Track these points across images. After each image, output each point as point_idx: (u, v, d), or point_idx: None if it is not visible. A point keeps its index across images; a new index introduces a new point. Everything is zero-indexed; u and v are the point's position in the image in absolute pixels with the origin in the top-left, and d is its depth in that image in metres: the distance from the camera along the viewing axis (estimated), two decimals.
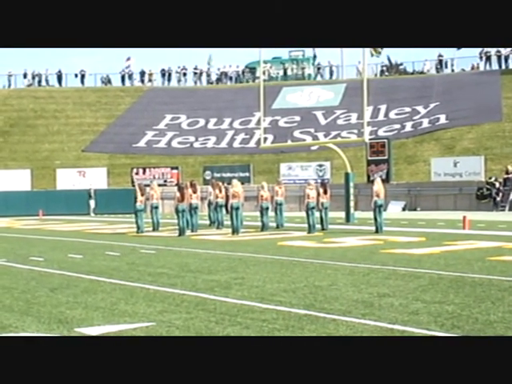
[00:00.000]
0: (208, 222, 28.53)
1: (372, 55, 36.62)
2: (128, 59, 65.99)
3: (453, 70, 62.03)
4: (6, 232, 27.95)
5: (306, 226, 24.33)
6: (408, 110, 53.97)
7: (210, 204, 28.80)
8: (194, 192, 25.73)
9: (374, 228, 23.55)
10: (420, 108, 53.77)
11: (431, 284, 11.28)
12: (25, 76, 64.95)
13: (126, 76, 65.45)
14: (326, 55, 68.99)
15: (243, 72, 65.59)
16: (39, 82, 65.06)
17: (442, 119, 50.71)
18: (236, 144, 53.51)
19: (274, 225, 26.37)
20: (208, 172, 46.34)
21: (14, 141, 55.79)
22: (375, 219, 23.51)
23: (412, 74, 62.61)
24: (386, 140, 43.62)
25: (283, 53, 66.55)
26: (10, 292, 11.21)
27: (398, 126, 51.40)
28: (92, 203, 44.25)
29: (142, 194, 26.14)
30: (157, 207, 26.93)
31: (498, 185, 39.21)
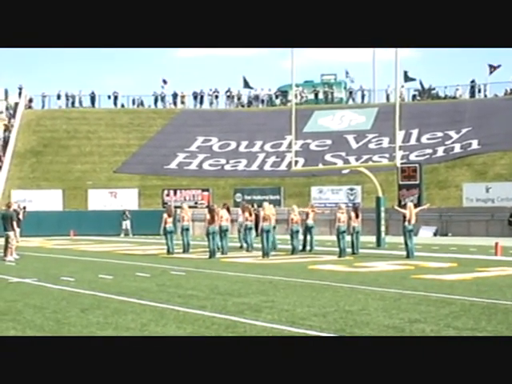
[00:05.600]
0: (239, 245, 28.60)
1: None
2: (164, 82, 66.26)
3: (485, 95, 61.68)
4: (37, 252, 28.13)
5: (336, 249, 24.26)
6: (440, 134, 53.70)
7: (240, 227, 28.96)
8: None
9: (404, 253, 23.43)
10: (452, 133, 53.48)
11: (463, 311, 11.17)
12: (58, 97, 65.49)
13: (159, 98, 65.82)
14: (358, 79, 69.61)
15: (275, 95, 65.77)
16: (73, 103, 65.56)
17: (474, 144, 50.38)
18: (267, 167, 53.52)
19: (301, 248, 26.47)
20: (238, 194, 46.29)
21: (46, 161, 56.25)
22: (406, 244, 23.39)
23: (444, 98, 62.36)
24: (417, 165, 43.43)
25: (315, 76, 66.79)
26: (41, 312, 11.26)
27: (429, 151, 51.15)
28: (124, 224, 44.14)
29: (170, 216, 26.30)
30: (187, 229, 27.01)
31: None
